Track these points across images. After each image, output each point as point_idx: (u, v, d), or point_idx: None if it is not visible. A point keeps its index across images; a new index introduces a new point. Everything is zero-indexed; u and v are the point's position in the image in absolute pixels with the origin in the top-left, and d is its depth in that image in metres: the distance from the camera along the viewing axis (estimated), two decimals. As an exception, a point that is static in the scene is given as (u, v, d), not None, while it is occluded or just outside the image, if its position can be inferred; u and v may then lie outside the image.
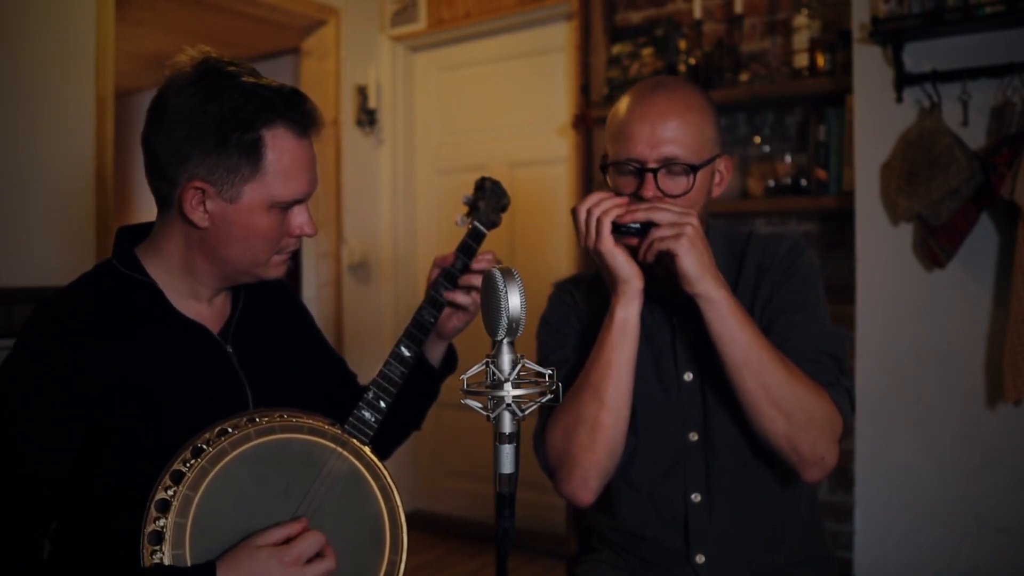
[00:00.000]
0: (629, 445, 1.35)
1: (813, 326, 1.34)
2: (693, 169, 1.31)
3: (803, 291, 1.36)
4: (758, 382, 1.23)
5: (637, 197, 1.31)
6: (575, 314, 1.49)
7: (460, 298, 1.42)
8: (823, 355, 1.31)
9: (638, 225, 1.27)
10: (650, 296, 1.34)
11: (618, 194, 1.32)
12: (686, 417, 1.38)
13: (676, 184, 1.31)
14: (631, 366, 1.31)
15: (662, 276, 1.33)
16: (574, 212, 1.31)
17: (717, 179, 1.39)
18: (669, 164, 1.30)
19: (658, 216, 1.25)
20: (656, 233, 1.25)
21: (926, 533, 2.33)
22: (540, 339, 1.50)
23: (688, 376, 1.39)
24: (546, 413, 1.40)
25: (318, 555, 1.12)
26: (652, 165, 1.30)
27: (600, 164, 1.40)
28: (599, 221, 1.27)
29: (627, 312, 1.29)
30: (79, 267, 1.25)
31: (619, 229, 1.28)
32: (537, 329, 1.51)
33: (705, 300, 1.24)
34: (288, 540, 1.11)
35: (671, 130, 1.29)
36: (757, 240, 1.44)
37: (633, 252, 1.29)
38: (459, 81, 3.89)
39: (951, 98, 2.29)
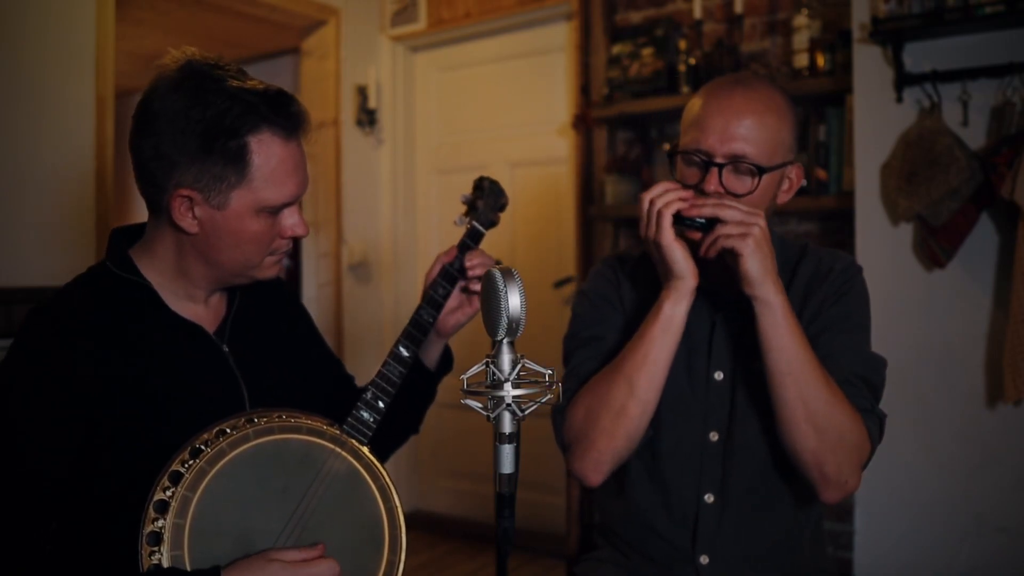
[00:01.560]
0: (647, 435, 1.35)
1: (856, 348, 1.32)
2: (760, 171, 1.28)
3: (852, 312, 1.34)
4: (798, 394, 1.22)
5: (699, 190, 1.29)
6: (616, 292, 1.47)
7: (478, 285, 1.42)
8: (861, 379, 1.30)
9: (703, 220, 1.25)
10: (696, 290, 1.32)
11: (682, 184, 1.31)
12: (709, 416, 1.37)
13: (741, 183, 1.29)
14: (668, 362, 1.30)
15: (712, 271, 1.31)
16: (640, 200, 1.29)
17: (786, 186, 1.36)
18: (737, 161, 1.28)
19: (725, 213, 1.23)
20: (722, 230, 1.23)
21: (926, 533, 2.33)
22: (575, 311, 1.48)
23: (719, 375, 1.37)
24: (572, 387, 1.39)
25: None
26: (719, 160, 1.28)
27: (668, 151, 1.38)
28: (660, 213, 1.25)
29: (676, 309, 1.28)
30: (79, 267, 1.24)
31: (683, 221, 1.26)
32: (574, 301, 1.50)
33: (763, 303, 1.22)
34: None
35: (745, 128, 1.27)
36: (812, 253, 1.42)
37: (692, 247, 1.28)
38: (459, 81, 3.89)
39: (951, 98, 2.29)
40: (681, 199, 1.26)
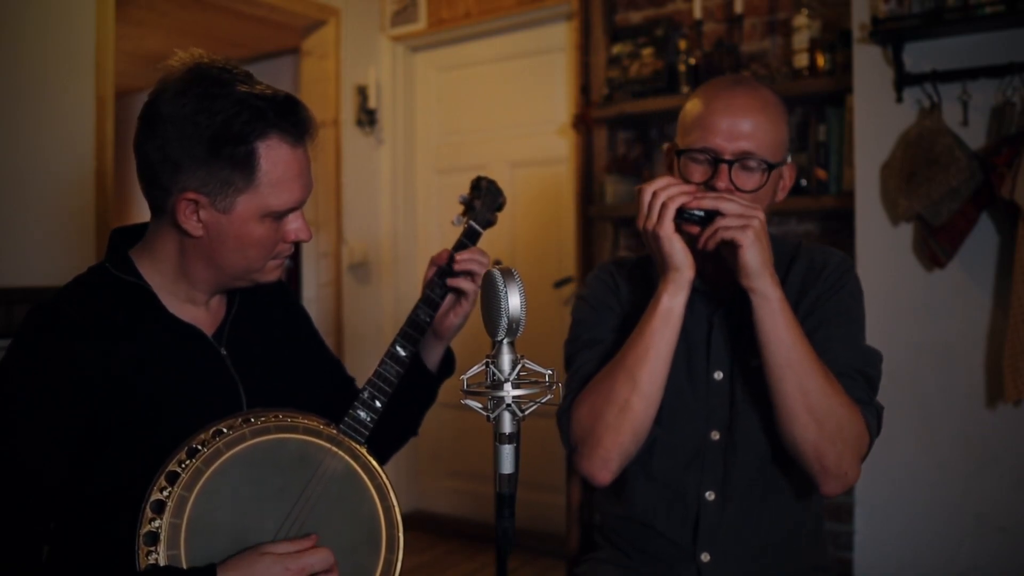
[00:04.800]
0: (652, 434, 1.35)
1: (852, 342, 1.34)
2: (769, 167, 1.31)
3: (847, 307, 1.36)
4: (797, 385, 1.23)
5: (707, 187, 1.31)
6: (615, 295, 1.48)
7: (462, 283, 1.40)
8: (858, 372, 1.31)
9: (702, 213, 1.26)
10: (692, 289, 1.33)
11: (685, 182, 1.32)
12: (711, 415, 1.38)
13: (750, 179, 1.31)
14: (669, 355, 1.31)
15: (706, 270, 1.32)
16: (640, 192, 1.30)
17: (781, 184, 1.39)
18: (744, 158, 1.30)
19: (725, 206, 1.24)
20: (722, 222, 1.24)
21: (926, 533, 2.33)
22: (576, 317, 1.49)
23: (718, 375, 1.38)
24: (575, 388, 1.40)
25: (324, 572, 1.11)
26: (728, 157, 1.30)
27: (674, 150, 1.38)
28: (664, 205, 1.26)
29: (674, 301, 1.29)
30: (79, 267, 1.24)
31: (682, 215, 1.27)
32: (573, 306, 1.51)
33: (760, 296, 1.24)
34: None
35: (750, 125, 1.30)
36: (806, 251, 1.44)
37: (690, 242, 1.29)
38: (459, 81, 3.89)
39: (951, 98, 2.28)
40: (684, 192, 1.27)
